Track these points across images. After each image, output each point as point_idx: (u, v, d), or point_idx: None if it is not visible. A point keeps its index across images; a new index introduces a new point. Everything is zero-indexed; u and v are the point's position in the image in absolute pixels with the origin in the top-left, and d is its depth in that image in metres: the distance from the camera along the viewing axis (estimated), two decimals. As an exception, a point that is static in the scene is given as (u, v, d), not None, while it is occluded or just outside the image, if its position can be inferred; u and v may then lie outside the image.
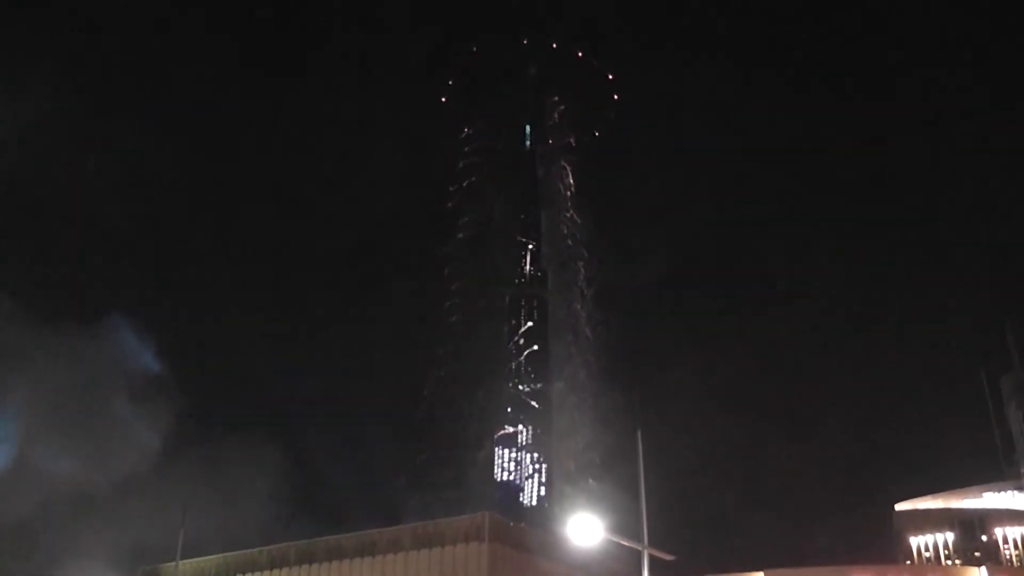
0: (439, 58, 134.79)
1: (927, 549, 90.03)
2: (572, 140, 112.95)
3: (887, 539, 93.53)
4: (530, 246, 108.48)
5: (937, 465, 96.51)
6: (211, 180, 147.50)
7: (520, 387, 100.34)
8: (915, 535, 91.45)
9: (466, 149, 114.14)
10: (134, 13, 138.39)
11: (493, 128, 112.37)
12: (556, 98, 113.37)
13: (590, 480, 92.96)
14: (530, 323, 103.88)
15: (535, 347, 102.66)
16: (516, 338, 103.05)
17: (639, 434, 26.80)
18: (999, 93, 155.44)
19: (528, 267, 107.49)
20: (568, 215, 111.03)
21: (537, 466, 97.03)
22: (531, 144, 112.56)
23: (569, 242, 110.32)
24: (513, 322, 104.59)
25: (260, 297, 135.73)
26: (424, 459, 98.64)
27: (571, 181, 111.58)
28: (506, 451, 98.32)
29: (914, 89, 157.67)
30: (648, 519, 27.58)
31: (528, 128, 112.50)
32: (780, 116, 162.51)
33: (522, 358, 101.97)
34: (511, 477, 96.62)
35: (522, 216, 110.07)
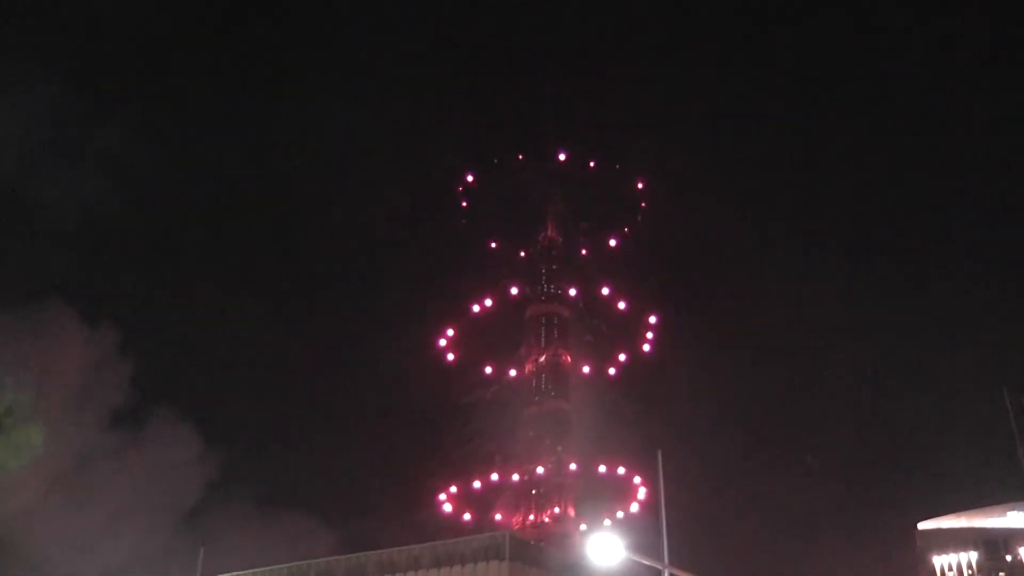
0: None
1: (951, 569, 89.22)
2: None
3: (910, 558, 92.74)
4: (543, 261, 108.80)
5: (960, 483, 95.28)
6: (213, 189, 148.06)
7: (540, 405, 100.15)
8: (938, 554, 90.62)
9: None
10: (133, 14, 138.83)
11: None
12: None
13: (610, 498, 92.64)
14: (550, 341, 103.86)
15: (555, 363, 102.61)
16: (537, 356, 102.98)
17: (659, 454, 26.95)
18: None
19: (548, 285, 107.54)
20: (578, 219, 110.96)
21: (557, 482, 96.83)
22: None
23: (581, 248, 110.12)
24: (532, 339, 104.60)
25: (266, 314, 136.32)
26: (445, 475, 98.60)
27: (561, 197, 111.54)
28: (526, 467, 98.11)
29: (925, 84, 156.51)
30: (668, 538, 27.70)
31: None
32: (783, 112, 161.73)
33: (542, 374, 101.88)
34: (532, 494, 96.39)
35: (534, 239, 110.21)
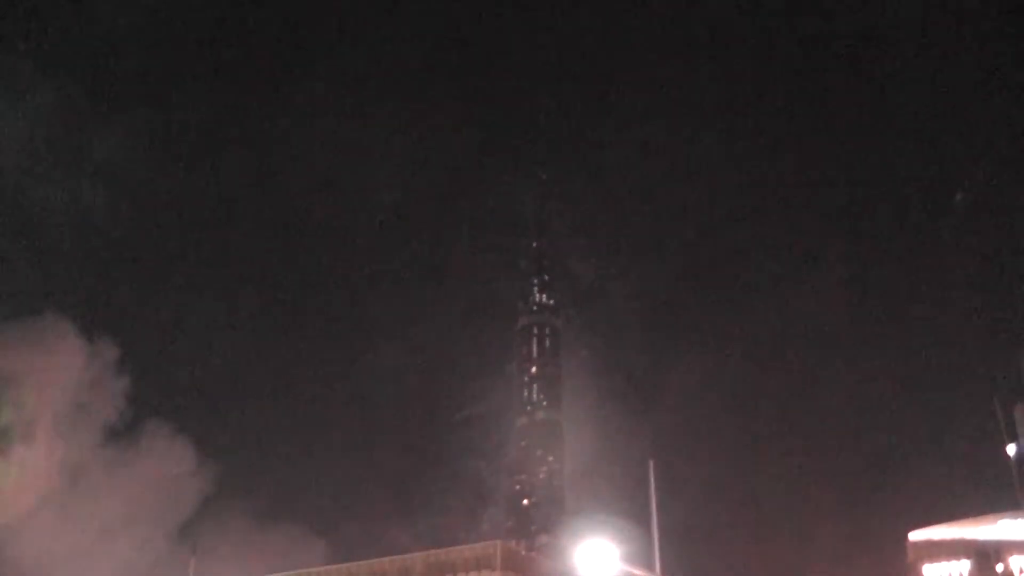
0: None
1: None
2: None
3: (902, 568, 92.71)
4: (538, 273, 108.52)
5: (951, 492, 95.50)
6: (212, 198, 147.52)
7: (532, 415, 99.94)
8: (930, 563, 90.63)
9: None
10: (133, 19, 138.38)
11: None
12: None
13: (602, 508, 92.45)
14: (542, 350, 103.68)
15: (547, 373, 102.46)
16: (529, 365, 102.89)
17: (651, 464, 26.97)
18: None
19: (539, 295, 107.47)
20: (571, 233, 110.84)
21: (549, 492, 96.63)
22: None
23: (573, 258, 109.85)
24: (524, 350, 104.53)
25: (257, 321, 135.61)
26: (437, 485, 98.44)
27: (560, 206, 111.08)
28: (518, 477, 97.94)
29: (924, 86, 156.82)
30: (660, 547, 27.67)
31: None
32: (784, 120, 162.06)
33: (535, 385, 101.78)
34: (524, 504, 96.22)
35: (530, 246, 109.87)
